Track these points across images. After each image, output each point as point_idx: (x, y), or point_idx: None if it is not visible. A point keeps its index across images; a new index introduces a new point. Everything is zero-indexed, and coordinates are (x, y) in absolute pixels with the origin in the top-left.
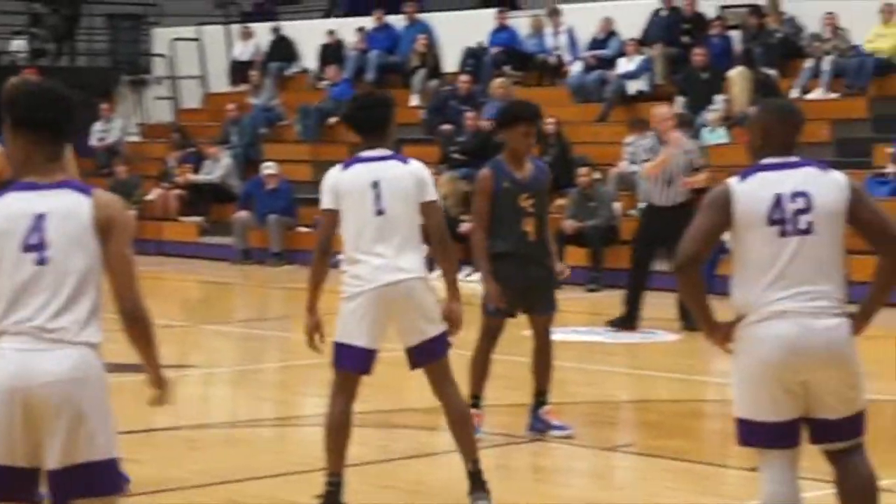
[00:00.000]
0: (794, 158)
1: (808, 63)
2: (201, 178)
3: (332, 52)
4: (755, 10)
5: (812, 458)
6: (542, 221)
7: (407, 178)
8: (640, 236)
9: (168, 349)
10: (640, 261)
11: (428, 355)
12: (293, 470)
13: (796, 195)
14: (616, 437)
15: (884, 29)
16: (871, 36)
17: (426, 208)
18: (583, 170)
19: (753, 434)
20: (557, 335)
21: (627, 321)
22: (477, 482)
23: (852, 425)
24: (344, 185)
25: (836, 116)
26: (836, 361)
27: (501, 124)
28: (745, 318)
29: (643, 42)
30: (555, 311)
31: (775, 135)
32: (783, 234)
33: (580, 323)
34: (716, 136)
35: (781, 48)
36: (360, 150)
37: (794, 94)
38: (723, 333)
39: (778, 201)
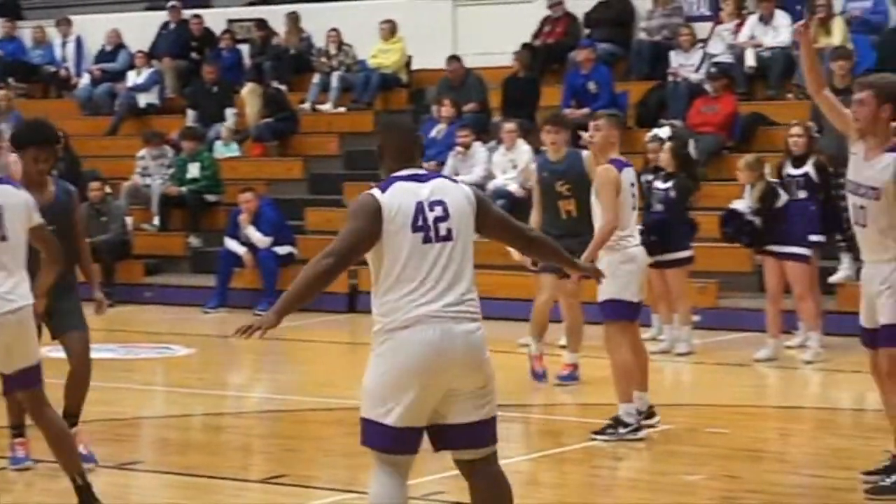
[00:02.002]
0: (422, 171)
1: (317, 78)
2: None
3: None
4: (262, 24)
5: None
6: (69, 243)
7: (23, 204)
8: None
9: None
10: None
11: (27, 383)
12: None
13: (434, 204)
14: (127, 454)
15: (386, 45)
16: (374, 52)
17: (37, 231)
18: (94, 184)
19: (377, 436)
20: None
21: None
22: (87, 496)
23: (487, 431)
24: None
25: (345, 130)
26: (474, 365)
27: (15, 147)
28: (388, 322)
29: (152, 55)
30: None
31: (400, 149)
32: (426, 240)
33: (95, 339)
34: (228, 150)
35: (292, 63)
36: None
37: (305, 107)
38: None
39: (420, 209)
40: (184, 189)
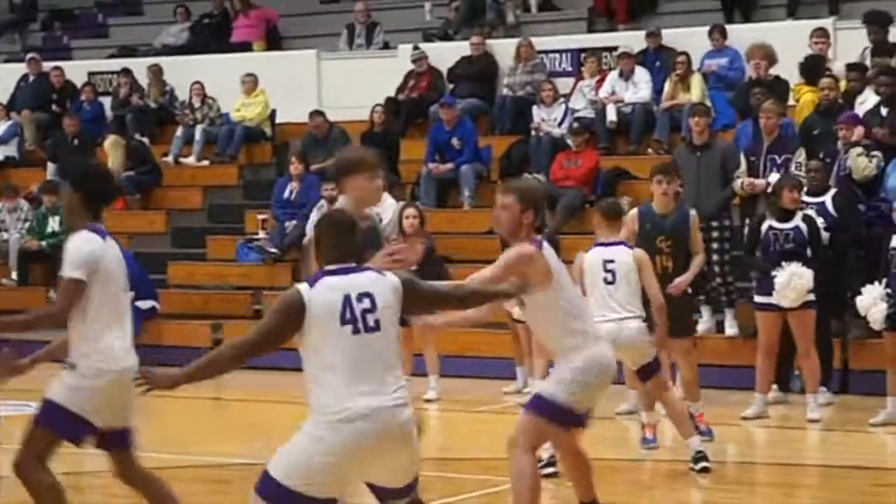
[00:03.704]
0: (353, 264)
1: (180, 131)
2: None
3: None
4: (126, 72)
5: None
6: None
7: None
8: None
9: None
10: None
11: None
12: None
13: (362, 296)
14: None
15: (248, 99)
16: (237, 105)
17: None
18: None
19: (287, 501)
20: None
21: None
22: None
23: (415, 483)
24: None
25: (209, 183)
26: (408, 450)
27: None
28: (325, 409)
29: (11, 107)
30: None
31: (332, 244)
32: (356, 331)
33: None
34: None
35: (155, 115)
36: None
37: (168, 160)
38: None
39: (347, 302)
40: (44, 243)
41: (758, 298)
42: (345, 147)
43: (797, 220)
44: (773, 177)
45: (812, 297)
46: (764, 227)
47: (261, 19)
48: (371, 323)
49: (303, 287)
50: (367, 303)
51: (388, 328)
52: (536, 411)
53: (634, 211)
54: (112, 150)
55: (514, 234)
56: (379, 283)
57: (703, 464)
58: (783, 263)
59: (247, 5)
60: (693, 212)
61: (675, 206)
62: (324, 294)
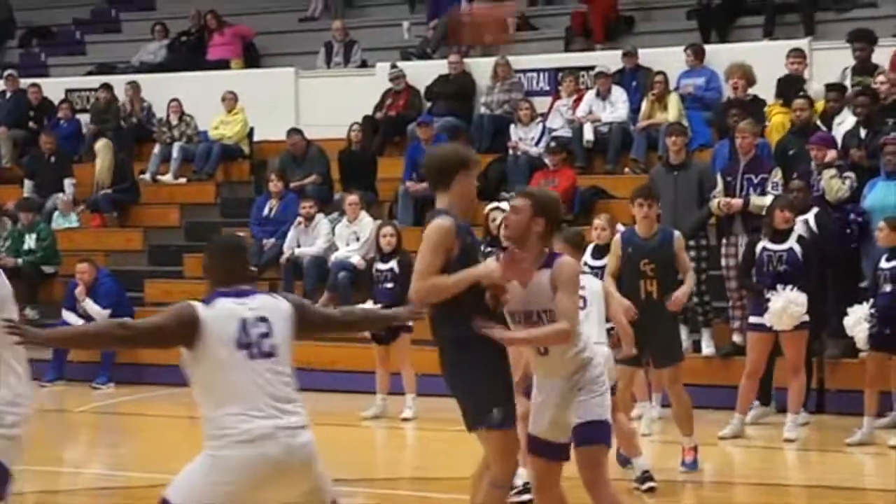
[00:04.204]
0: (246, 287)
1: (158, 148)
2: None
3: None
4: (106, 87)
5: None
6: None
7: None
8: None
9: None
10: None
11: None
12: None
13: (258, 320)
14: None
15: (227, 116)
16: (215, 123)
17: None
18: None
19: None
20: None
21: None
22: None
23: None
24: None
25: (186, 201)
26: (310, 473)
27: None
28: (223, 436)
29: None
30: None
31: (227, 268)
32: (251, 356)
33: None
34: (67, 220)
35: (132, 133)
36: None
37: (146, 178)
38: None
39: (243, 326)
40: (20, 261)
41: (751, 319)
42: (324, 164)
43: (791, 242)
44: (767, 198)
45: (806, 317)
46: (758, 248)
47: (236, 36)
48: (266, 348)
49: (198, 305)
50: (263, 327)
51: (284, 352)
52: (599, 440)
53: (617, 237)
54: (102, 153)
55: (520, 239)
56: (273, 306)
57: (650, 483)
58: (778, 287)
59: (221, 23)
60: (677, 233)
61: (658, 229)
62: (220, 316)
